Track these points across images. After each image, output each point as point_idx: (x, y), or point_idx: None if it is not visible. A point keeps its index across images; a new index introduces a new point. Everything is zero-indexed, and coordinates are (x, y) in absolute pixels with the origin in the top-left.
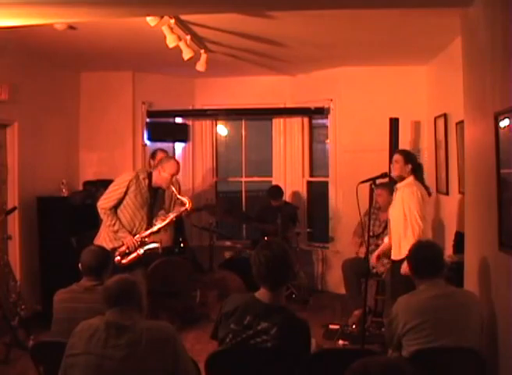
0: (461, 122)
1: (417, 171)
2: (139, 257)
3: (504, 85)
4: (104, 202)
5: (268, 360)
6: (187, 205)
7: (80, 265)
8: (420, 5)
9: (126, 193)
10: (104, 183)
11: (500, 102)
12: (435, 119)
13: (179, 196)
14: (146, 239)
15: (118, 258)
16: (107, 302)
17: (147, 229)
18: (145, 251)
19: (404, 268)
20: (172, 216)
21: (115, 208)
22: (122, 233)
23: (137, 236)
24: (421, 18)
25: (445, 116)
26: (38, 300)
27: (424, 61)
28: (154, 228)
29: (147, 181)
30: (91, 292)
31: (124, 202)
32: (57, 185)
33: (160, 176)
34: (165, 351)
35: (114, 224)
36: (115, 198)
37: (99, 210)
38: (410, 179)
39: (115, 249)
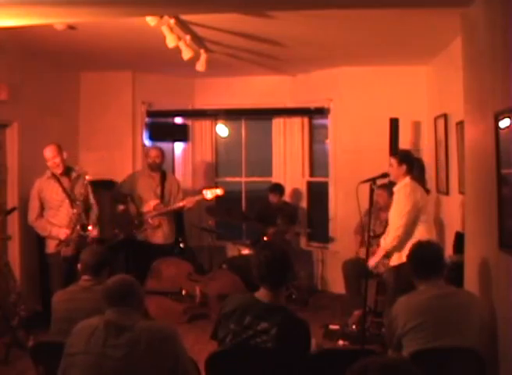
0: (461, 122)
1: (414, 169)
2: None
3: (504, 85)
4: (29, 217)
5: (268, 360)
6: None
7: (79, 264)
8: (420, 5)
9: (40, 198)
10: (104, 184)
11: (500, 102)
12: (435, 119)
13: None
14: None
15: (64, 249)
16: (106, 302)
17: (78, 215)
18: (85, 232)
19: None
20: (90, 197)
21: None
22: (55, 232)
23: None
24: (421, 18)
25: (445, 116)
26: (38, 300)
27: (424, 61)
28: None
29: (52, 178)
30: (90, 292)
31: (47, 207)
32: None
33: (50, 165)
34: (164, 351)
35: (45, 230)
36: (35, 207)
37: (32, 226)
38: (406, 180)
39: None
